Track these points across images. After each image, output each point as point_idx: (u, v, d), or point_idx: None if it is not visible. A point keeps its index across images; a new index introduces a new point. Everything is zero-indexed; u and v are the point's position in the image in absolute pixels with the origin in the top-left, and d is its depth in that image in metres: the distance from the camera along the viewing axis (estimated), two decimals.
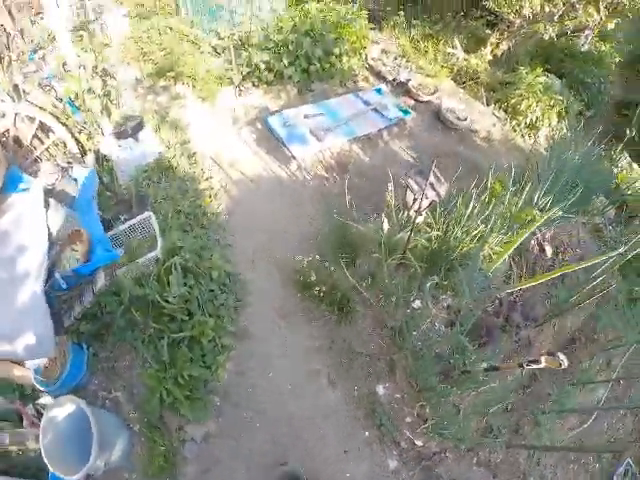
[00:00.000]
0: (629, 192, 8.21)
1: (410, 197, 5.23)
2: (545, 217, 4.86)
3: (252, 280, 5.13)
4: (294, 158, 6.62)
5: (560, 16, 8.75)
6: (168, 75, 7.23)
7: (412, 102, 8.33)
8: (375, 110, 7.61)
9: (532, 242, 5.79)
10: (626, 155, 8.94)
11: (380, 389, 4.52)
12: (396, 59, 8.98)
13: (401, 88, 8.45)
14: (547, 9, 8.47)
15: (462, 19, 10.24)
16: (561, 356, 3.32)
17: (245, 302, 4.93)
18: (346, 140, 7.04)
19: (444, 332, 4.64)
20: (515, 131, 8.75)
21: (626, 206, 7.70)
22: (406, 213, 5.15)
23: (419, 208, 4.57)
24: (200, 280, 4.55)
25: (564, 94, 9.48)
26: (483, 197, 5.24)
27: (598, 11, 8.36)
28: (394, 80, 8.52)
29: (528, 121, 8.76)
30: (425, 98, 8.28)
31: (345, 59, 8.04)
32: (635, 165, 8.94)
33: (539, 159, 7.04)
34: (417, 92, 8.32)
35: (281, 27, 7.71)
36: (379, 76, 8.69)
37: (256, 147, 6.80)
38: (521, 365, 3.57)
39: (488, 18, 9.90)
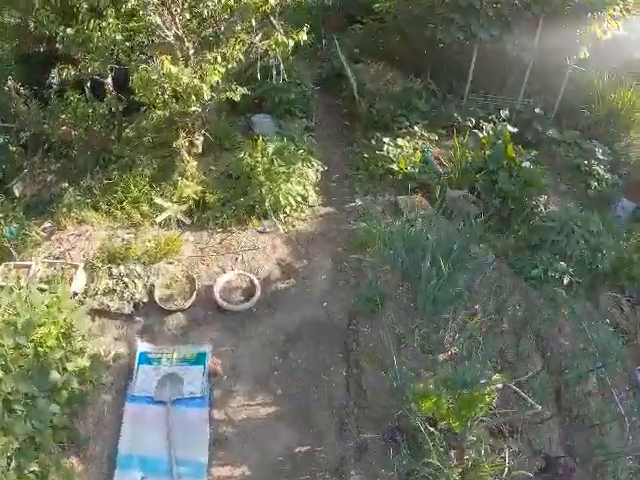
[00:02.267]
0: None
1: None
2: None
3: None
4: None
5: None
6: None
7: (182, 316, 5.93)
8: (177, 401, 5.08)
9: None
10: (382, 138, 8.34)
11: None
12: (113, 275, 6.10)
13: (155, 313, 5.89)
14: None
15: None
16: None
17: None
18: None
19: None
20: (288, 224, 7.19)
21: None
22: None
23: None
24: None
25: (284, 128, 8.23)
26: None
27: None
28: (136, 306, 5.89)
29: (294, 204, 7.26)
30: (188, 303, 5.94)
31: (77, 360, 5.01)
32: (399, 140, 8.40)
33: None
34: (175, 303, 5.93)
35: None
36: (119, 317, 5.86)
37: None
38: None
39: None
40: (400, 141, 8.33)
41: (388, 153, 7.99)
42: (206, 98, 6.19)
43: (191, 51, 6.45)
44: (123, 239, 6.63)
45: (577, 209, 7.78)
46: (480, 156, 7.98)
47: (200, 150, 7.73)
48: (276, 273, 6.61)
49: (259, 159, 7.14)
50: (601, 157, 8.76)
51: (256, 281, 6.14)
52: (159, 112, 6.59)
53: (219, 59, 6.14)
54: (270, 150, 7.31)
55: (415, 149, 8.51)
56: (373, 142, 8.53)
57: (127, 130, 7.58)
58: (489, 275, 6.38)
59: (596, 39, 8.58)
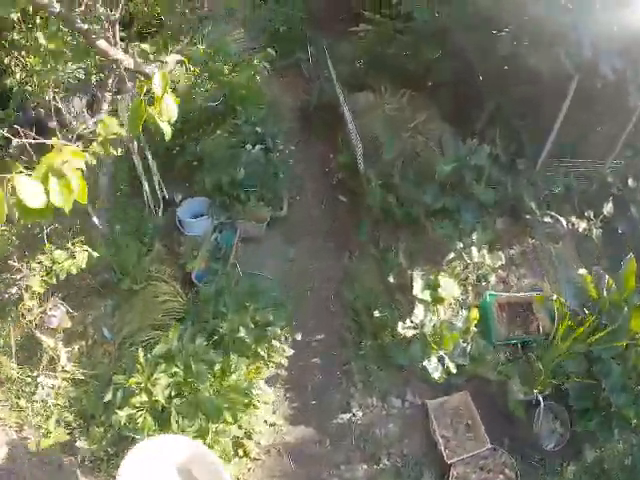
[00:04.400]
0: None
1: None
2: None
3: None
4: None
5: None
6: None
7: None
8: None
9: None
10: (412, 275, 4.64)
11: None
12: None
13: None
14: None
15: None
16: None
17: None
18: None
19: None
20: None
21: None
22: None
23: None
24: None
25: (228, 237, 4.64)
26: None
27: None
28: None
29: None
30: None
31: None
32: (442, 281, 4.67)
33: None
34: None
35: None
36: None
37: None
38: None
39: None
40: (444, 281, 4.52)
41: (423, 326, 4.23)
42: None
43: None
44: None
45: None
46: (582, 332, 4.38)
47: (68, 324, 3.97)
48: None
49: None
50: None
51: None
52: None
53: None
54: None
55: (463, 284, 4.78)
56: (392, 277, 4.68)
57: None
58: None
59: None
